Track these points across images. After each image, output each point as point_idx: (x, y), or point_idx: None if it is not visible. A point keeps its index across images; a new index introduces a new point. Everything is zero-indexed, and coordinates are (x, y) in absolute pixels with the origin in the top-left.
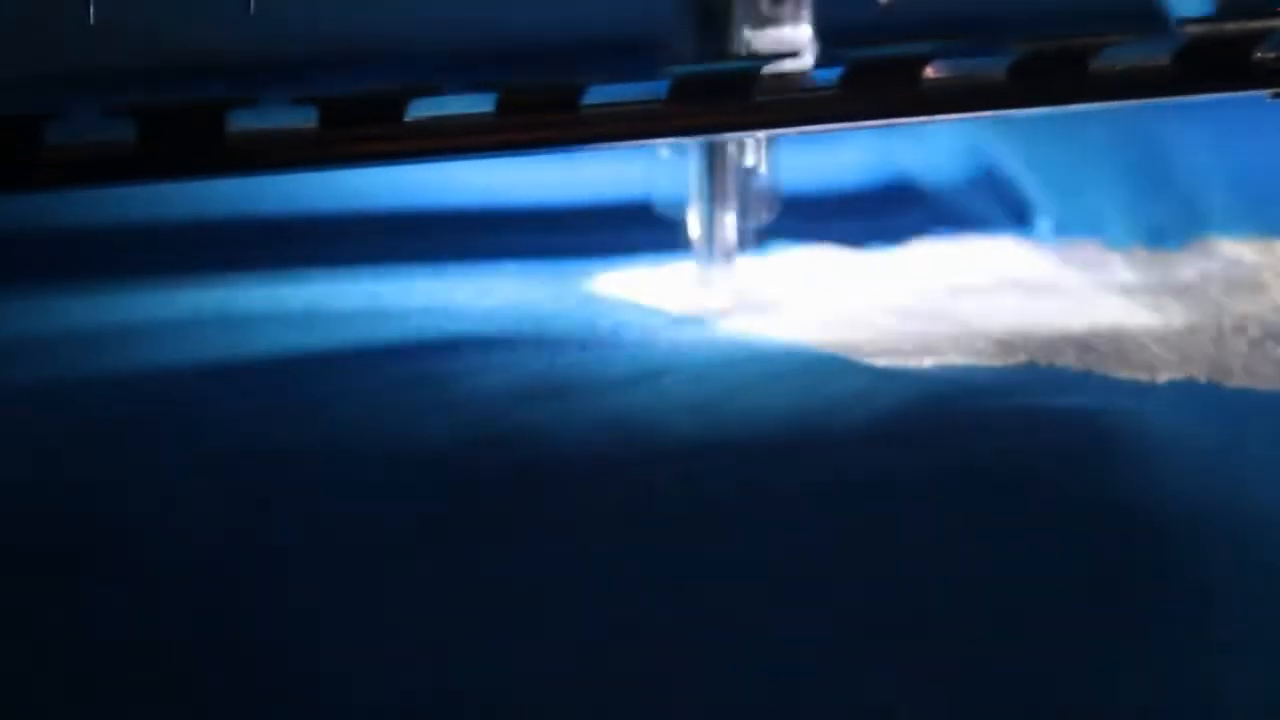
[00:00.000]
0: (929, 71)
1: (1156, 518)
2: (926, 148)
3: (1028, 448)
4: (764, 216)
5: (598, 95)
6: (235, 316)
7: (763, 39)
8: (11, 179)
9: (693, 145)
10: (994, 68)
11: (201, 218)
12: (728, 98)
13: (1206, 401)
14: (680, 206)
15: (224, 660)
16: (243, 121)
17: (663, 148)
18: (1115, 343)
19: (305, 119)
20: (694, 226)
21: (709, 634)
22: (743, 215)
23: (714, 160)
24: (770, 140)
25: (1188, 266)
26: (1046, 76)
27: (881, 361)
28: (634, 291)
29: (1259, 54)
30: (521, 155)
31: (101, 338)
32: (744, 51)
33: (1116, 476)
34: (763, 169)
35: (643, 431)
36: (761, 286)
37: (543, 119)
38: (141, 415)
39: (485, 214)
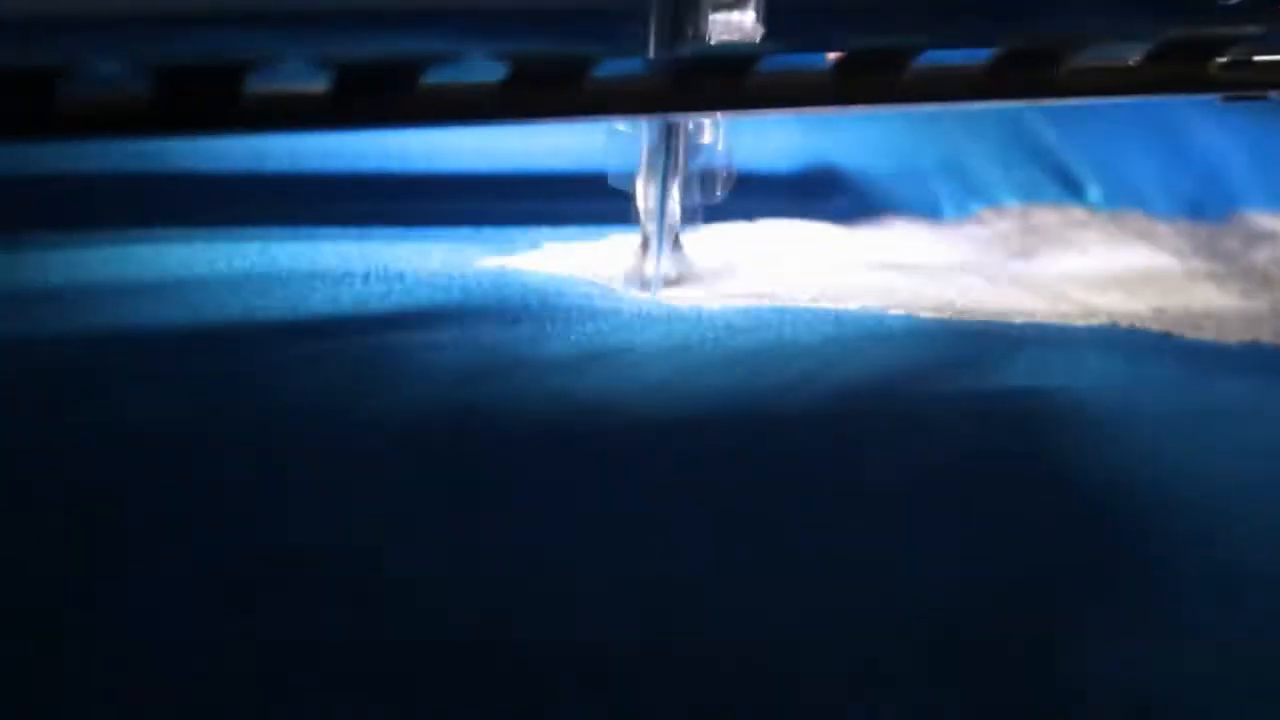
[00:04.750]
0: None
1: None
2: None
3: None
4: (718, 193)
5: (597, 71)
6: (169, 278)
7: (714, 24)
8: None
9: (646, 119)
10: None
11: (141, 173)
12: (728, 79)
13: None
14: (632, 179)
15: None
16: (258, 83)
17: (618, 121)
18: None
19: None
20: (643, 199)
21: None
22: (696, 191)
23: (669, 135)
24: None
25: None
26: (1023, 72)
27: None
28: (581, 262)
29: (1220, 59)
30: (529, 125)
31: (21, 298)
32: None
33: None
34: (719, 146)
35: (591, 406)
36: (741, 261)
37: (551, 91)
38: (64, 383)
39: (434, 178)
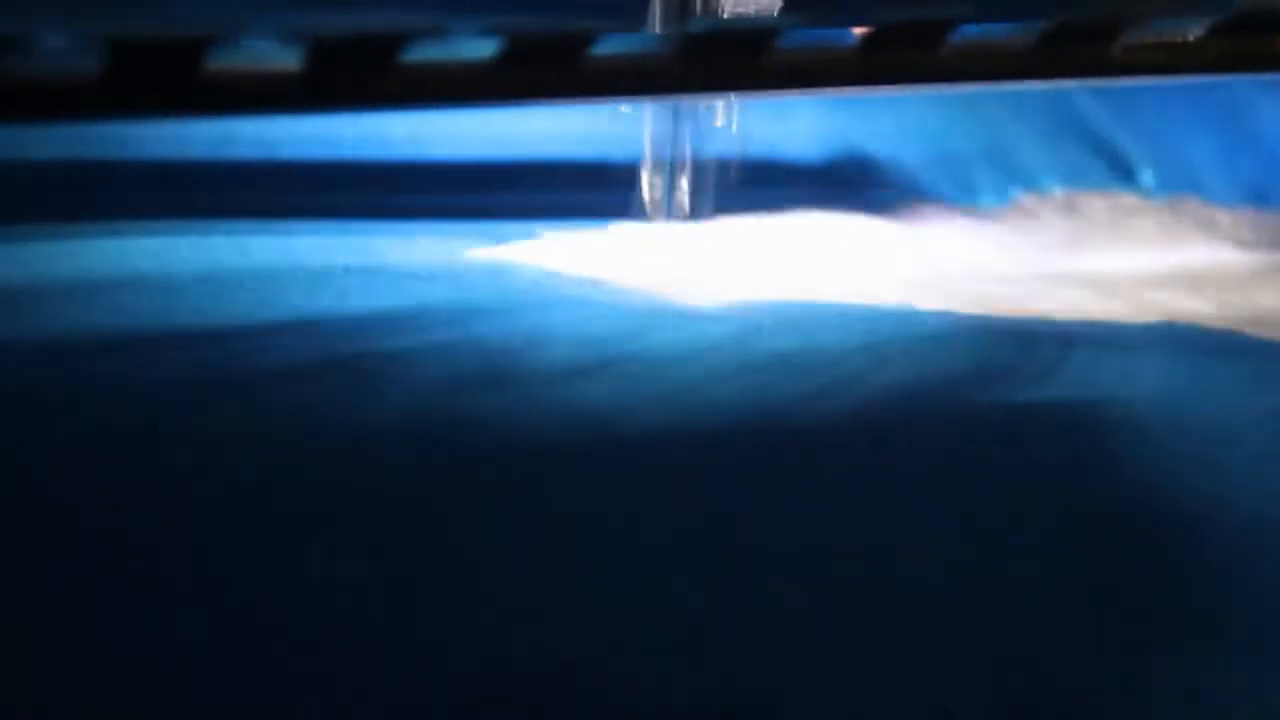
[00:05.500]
0: None
1: None
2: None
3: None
4: (730, 180)
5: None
6: (147, 275)
7: None
8: None
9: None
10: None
11: (99, 161)
12: (744, 57)
13: None
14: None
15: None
16: (221, 59)
17: (623, 105)
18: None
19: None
20: (648, 189)
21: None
22: (707, 179)
23: (677, 120)
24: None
25: None
26: (1073, 48)
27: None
28: (581, 256)
29: None
30: (523, 107)
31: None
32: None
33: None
34: (734, 130)
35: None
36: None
37: (547, 70)
38: (38, 387)
39: (421, 167)
